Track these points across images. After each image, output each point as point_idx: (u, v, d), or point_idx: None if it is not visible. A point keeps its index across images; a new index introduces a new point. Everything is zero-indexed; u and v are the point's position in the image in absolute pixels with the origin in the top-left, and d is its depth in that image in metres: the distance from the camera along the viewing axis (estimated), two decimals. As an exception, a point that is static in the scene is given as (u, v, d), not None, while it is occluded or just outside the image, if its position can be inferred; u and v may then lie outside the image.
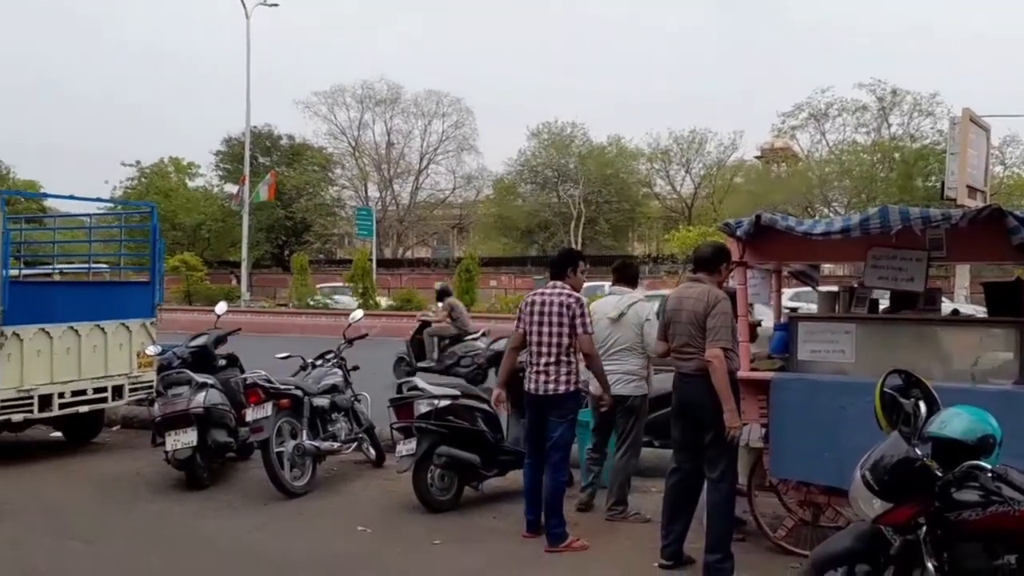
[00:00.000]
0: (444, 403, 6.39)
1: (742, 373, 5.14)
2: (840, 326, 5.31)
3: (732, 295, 5.31)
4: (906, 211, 4.88)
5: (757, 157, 47.13)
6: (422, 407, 6.36)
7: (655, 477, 6.97)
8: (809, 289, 8.00)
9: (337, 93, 48.09)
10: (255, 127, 41.89)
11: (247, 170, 33.89)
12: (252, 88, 32.21)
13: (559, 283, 5.58)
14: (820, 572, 3.97)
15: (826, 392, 5.01)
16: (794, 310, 6.67)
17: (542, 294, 5.55)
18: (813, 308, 7.75)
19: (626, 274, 6.43)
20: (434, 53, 76.65)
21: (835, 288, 6.22)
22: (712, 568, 4.75)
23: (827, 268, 17.71)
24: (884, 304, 5.97)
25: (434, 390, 6.46)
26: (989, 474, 3.49)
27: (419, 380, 6.59)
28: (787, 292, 20.94)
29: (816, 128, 41.25)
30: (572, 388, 5.44)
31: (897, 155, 37.37)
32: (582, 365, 5.57)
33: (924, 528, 3.70)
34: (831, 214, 35.94)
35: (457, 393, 6.52)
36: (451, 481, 6.37)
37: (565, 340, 5.39)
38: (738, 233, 5.32)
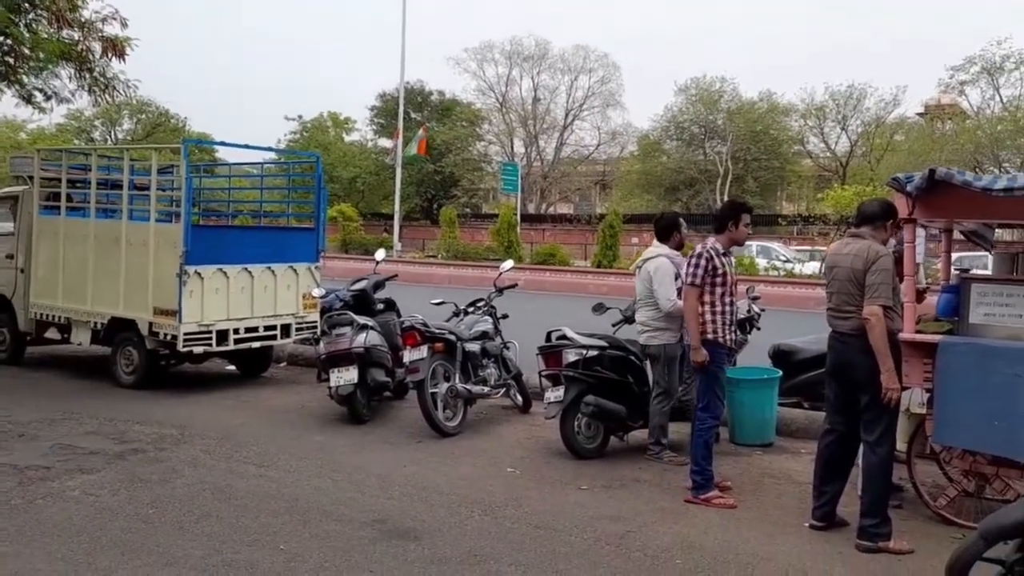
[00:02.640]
0: (592, 353, 6.46)
1: (906, 335, 4.93)
2: (1018, 289, 4.98)
3: (898, 256, 5.10)
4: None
5: (920, 114, 44.08)
6: (570, 356, 6.46)
7: (805, 439, 6.86)
8: (973, 254, 7.54)
9: (486, 49, 48.61)
10: (407, 83, 42.95)
11: (400, 125, 34.88)
12: (407, 44, 32.94)
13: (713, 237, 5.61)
14: (990, 543, 3.81)
15: (1000, 358, 4.74)
16: (965, 271, 6.28)
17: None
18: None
19: (656, 228, 6.63)
20: (583, 7, 75.70)
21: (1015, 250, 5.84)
22: (868, 532, 4.63)
23: (997, 233, 16.48)
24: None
25: (582, 340, 6.55)
26: None
27: (568, 330, 6.68)
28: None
29: (989, 83, 38.08)
30: (707, 337, 5.47)
31: (1085, 111, 34.03)
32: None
33: (1109, 503, 3.48)
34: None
35: (605, 344, 6.57)
36: (597, 430, 6.48)
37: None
38: (908, 188, 5.05)
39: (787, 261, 24.38)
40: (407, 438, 6.84)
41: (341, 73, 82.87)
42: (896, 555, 4.54)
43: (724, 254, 5.56)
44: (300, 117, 52.17)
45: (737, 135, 42.96)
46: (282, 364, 9.98)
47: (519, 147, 49.65)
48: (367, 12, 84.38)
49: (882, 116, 42.72)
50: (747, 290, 7.99)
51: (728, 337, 5.55)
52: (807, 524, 4.98)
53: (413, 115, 47.44)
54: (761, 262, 24.33)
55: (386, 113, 47.30)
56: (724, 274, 5.51)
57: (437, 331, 7.13)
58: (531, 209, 47.25)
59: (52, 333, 9.55)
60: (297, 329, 9.04)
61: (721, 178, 42.82)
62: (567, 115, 49.10)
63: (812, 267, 23.00)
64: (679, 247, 6.57)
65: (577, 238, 38.42)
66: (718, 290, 5.49)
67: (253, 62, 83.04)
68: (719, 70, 68.32)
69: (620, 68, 48.11)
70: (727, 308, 5.52)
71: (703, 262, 5.46)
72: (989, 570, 3.85)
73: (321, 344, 7.53)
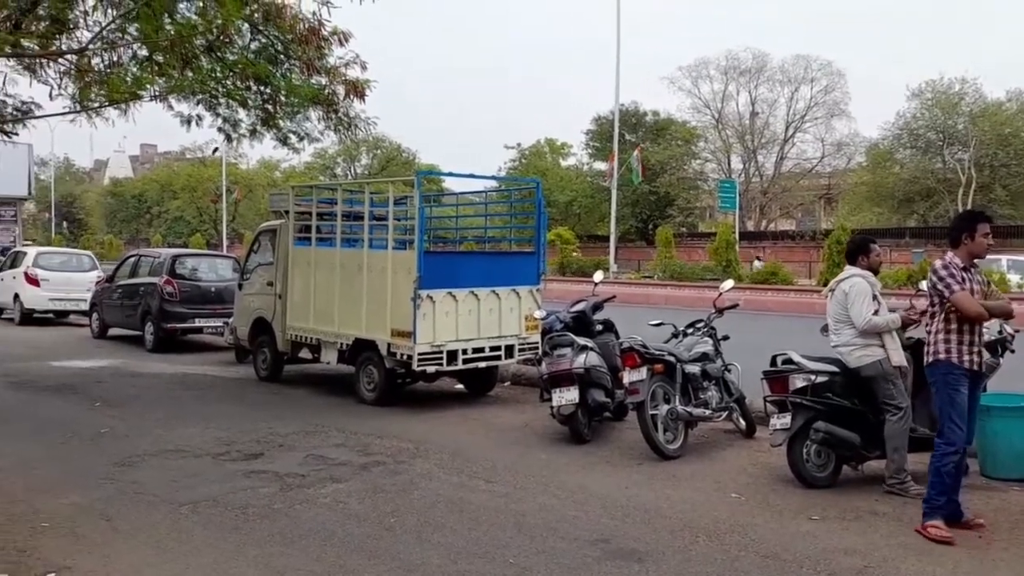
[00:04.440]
0: (822, 379, 6.20)
1: None
2: None
3: None
4: None
5: None
6: (798, 382, 6.23)
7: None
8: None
9: (701, 66, 48.00)
10: (622, 105, 43.21)
11: (615, 147, 35.17)
12: (620, 67, 33.25)
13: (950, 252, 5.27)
14: None
15: None
16: None
17: None
18: None
19: (846, 252, 6.58)
20: (802, 18, 72.61)
21: None
22: None
23: None
24: None
25: (811, 365, 6.29)
26: None
27: (794, 353, 6.45)
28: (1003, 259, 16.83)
29: None
30: (928, 359, 5.23)
31: None
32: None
33: None
34: None
35: (835, 369, 6.27)
36: (828, 458, 6.20)
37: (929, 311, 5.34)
38: None
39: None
40: (628, 459, 6.89)
41: (557, 99, 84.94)
42: None
43: (964, 268, 5.17)
44: (519, 145, 54.18)
45: (981, 140, 39.22)
46: (506, 383, 10.38)
47: (736, 163, 48.49)
48: (580, 37, 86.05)
49: None
50: (998, 310, 7.31)
51: (967, 359, 5.12)
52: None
53: (628, 136, 47.56)
54: (1014, 278, 22.04)
55: (601, 136, 47.86)
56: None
57: (656, 352, 7.14)
58: (750, 226, 45.80)
59: (304, 353, 10.53)
60: (520, 350, 9.38)
61: (963, 187, 39.29)
62: (787, 128, 47.32)
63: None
64: (872, 269, 6.30)
65: (800, 255, 36.74)
66: None
67: (474, 95, 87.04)
68: (957, 70, 62.77)
69: (845, 76, 45.64)
70: (966, 327, 5.11)
71: (952, 270, 5.11)
72: None
73: (543, 364, 7.76)
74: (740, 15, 77.71)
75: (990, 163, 39.49)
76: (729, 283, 8.92)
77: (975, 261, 5.30)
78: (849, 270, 6.37)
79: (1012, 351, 6.97)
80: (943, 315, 5.16)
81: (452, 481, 6.25)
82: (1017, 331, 7.06)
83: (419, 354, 8.56)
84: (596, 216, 48.48)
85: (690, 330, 8.00)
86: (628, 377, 7.02)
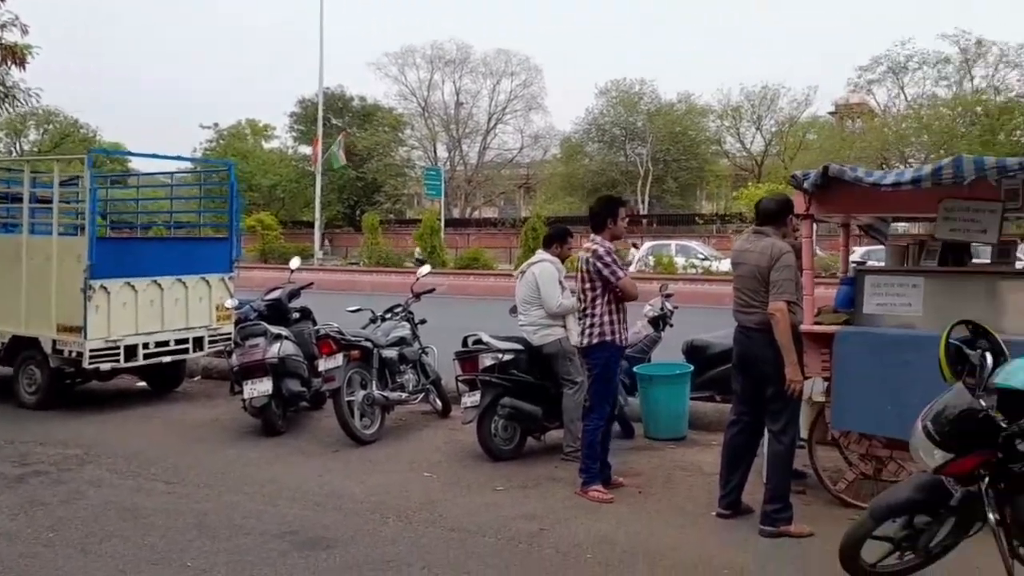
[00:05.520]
0: (508, 357, 6.51)
1: (805, 327, 5.12)
2: (908, 279, 5.22)
3: (797, 249, 5.28)
4: (981, 160, 4.75)
5: (831, 113, 45.70)
6: (487, 360, 6.50)
7: (716, 431, 7.02)
8: (880, 247, 7.83)
9: (407, 54, 48.36)
10: (327, 89, 42.47)
11: (320, 131, 34.43)
12: (325, 50, 32.60)
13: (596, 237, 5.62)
14: (879, 521, 3.99)
15: (891, 346, 4.96)
16: (861, 263, 6.55)
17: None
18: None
19: (544, 238, 6.92)
20: (503, 11, 76.08)
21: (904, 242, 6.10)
22: (770, 517, 4.79)
23: (902, 227, 17.21)
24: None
25: (499, 344, 6.59)
26: (1056, 426, 3.43)
27: (484, 334, 6.71)
28: (858, 251, 20.51)
29: (894, 82, 39.81)
30: (594, 341, 5.49)
31: (980, 109, 35.78)
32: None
33: (986, 479, 3.67)
34: (911, 171, 34.62)
35: (520, 348, 6.62)
36: (514, 432, 6.53)
37: (587, 294, 5.53)
38: (805, 185, 5.25)
39: (705, 259, 24.92)
40: (323, 448, 6.77)
41: (261, 80, 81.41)
42: (797, 538, 4.70)
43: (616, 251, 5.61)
44: (216, 125, 51.13)
45: (657, 136, 43.75)
46: (196, 378, 9.75)
47: (442, 152, 49.56)
48: (285, 16, 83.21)
49: (795, 115, 44.09)
50: (660, 288, 8.16)
51: (624, 337, 5.59)
52: (715, 513, 5.12)
53: (334, 121, 46.90)
54: (680, 260, 24.82)
55: (306, 119, 46.65)
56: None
57: (353, 338, 7.08)
58: (456, 214, 47.21)
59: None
60: (211, 342, 8.84)
61: (642, 179, 43.57)
62: (490, 119, 49.24)
63: (728, 265, 23.54)
64: (562, 257, 6.65)
65: (502, 242, 38.51)
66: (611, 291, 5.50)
67: (170, 72, 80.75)
68: (639, 72, 69.41)
69: (542, 71, 48.48)
70: (622, 307, 5.54)
71: (614, 256, 5.50)
72: (879, 548, 4.03)
73: (233, 356, 7.39)
74: (445, 5, 79.53)
75: (664, 158, 44.14)
76: (426, 268, 9.09)
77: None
78: (540, 255, 6.70)
79: (672, 325, 7.79)
80: (606, 298, 5.48)
81: (127, 486, 5.74)
82: (676, 308, 7.91)
83: (91, 351, 7.74)
84: (301, 201, 47.20)
85: (388, 315, 8.03)
86: (324, 364, 6.90)
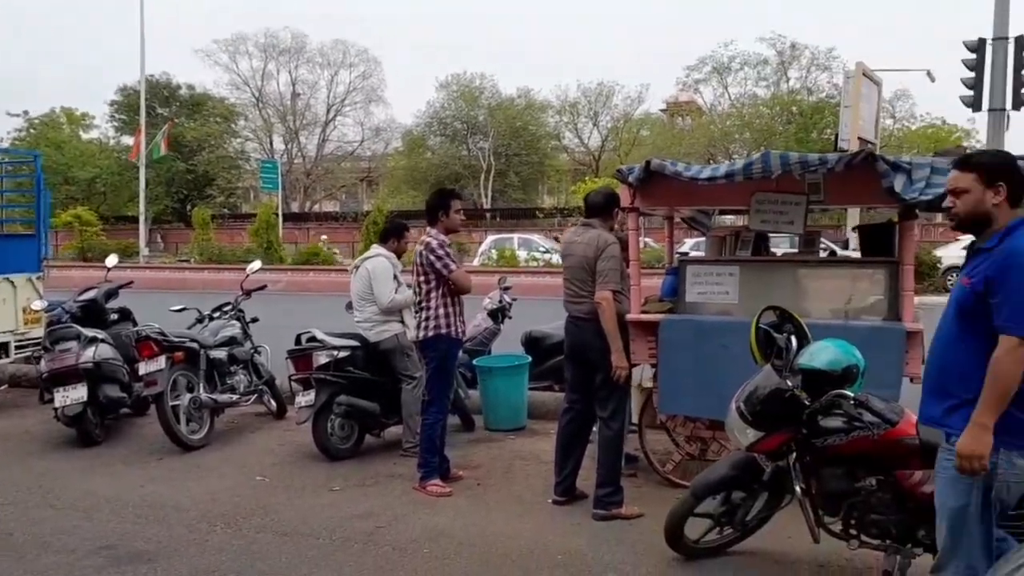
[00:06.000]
0: (344, 354, 6.38)
1: (632, 316, 5.30)
2: (725, 268, 5.50)
3: (623, 241, 5.46)
4: (786, 156, 5.06)
5: (662, 110, 47.82)
6: (321, 358, 6.33)
7: (554, 420, 7.15)
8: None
9: (239, 41, 46.55)
10: (152, 76, 40.26)
11: (143, 121, 32.47)
12: (147, 35, 30.79)
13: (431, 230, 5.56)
14: (699, 499, 4.20)
15: (711, 332, 5.21)
16: (684, 254, 6.86)
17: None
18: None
19: (381, 232, 6.87)
20: (341, 2, 74.53)
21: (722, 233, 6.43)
22: (602, 501, 4.93)
23: (729, 219, 18.24)
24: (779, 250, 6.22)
25: (333, 341, 6.44)
26: (852, 401, 3.71)
27: (318, 331, 6.54)
28: (688, 242, 21.58)
29: (719, 82, 42.13)
30: (430, 334, 5.46)
31: (795, 108, 38.48)
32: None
33: (794, 455, 3.94)
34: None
35: (357, 344, 6.50)
36: (351, 429, 6.41)
37: (422, 287, 5.50)
38: (630, 179, 5.43)
39: (546, 252, 25.46)
40: (146, 456, 6.39)
41: (78, 66, 75.82)
42: (628, 520, 4.87)
43: (450, 245, 5.60)
44: (26, 113, 47.11)
45: (498, 131, 44.26)
46: (2, 387, 8.95)
47: (279, 144, 48.08)
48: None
49: (629, 112, 45.85)
50: (499, 280, 8.24)
51: (461, 330, 5.58)
52: (551, 500, 5.22)
53: (159, 110, 44.41)
54: (522, 254, 25.24)
55: (129, 108, 43.78)
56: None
57: (176, 339, 6.71)
58: (295, 208, 45.92)
59: None
60: (18, 347, 8.15)
61: (484, 173, 43.96)
62: (328, 110, 48.24)
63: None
64: (399, 252, 6.62)
65: (344, 236, 37.84)
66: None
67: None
68: (480, 67, 69.91)
69: (381, 63, 47.97)
70: (457, 300, 5.52)
71: (447, 249, 5.47)
72: (701, 524, 4.24)
73: (43, 362, 6.84)
74: (279, -5, 76.89)
75: (505, 152, 44.73)
76: (256, 264, 8.75)
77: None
78: (375, 249, 6.60)
79: (510, 318, 7.89)
80: (440, 291, 5.45)
81: (-82, 509, 5.19)
82: (515, 300, 8.01)
83: None
84: (126, 195, 44.36)
85: (216, 314, 7.68)
86: (145, 368, 6.50)
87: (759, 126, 38.83)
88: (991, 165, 3.02)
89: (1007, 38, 13.67)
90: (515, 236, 28.39)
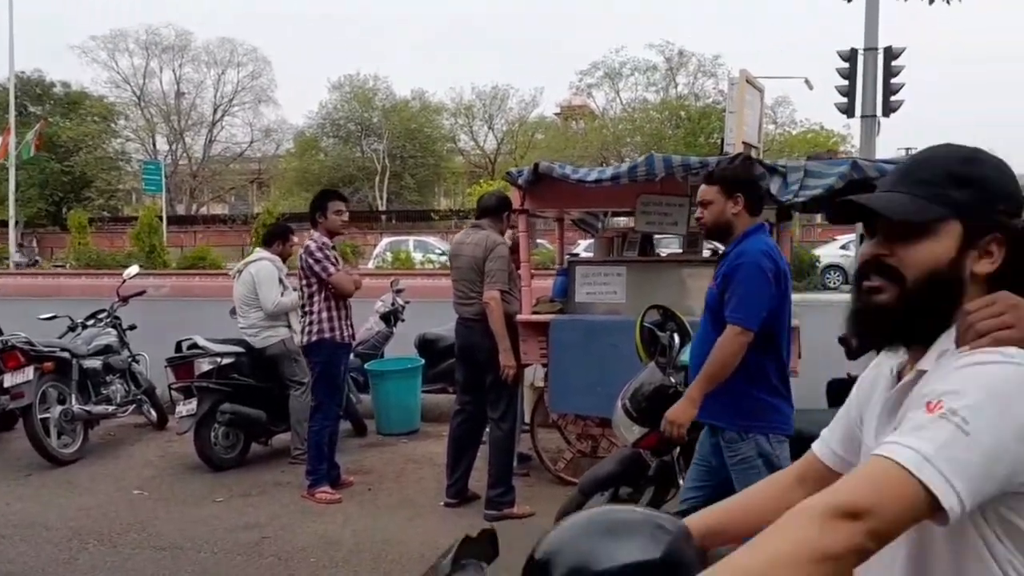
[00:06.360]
0: (227, 360, 6.17)
1: (523, 316, 5.32)
2: (612, 269, 5.60)
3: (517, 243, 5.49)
4: (669, 159, 5.18)
5: (556, 114, 48.44)
6: (203, 365, 6.12)
7: (448, 422, 7.14)
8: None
9: (118, 38, 44.46)
10: (22, 73, 38.02)
11: (12, 120, 30.62)
12: (17, 31, 29.13)
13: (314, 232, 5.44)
14: (588, 495, 4.24)
15: (599, 331, 5.29)
16: (574, 255, 6.97)
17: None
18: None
19: (264, 235, 6.71)
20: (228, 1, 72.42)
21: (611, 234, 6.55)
22: (494, 501, 4.94)
23: (623, 221, 18.61)
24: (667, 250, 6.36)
25: (216, 347, 6.22)
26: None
27: (199, 338, 6.31)
28: (583, 243, 21.92)
29: (611, 87, 42.98)
30: (313, 339, 5.33)
31: (683, 113, 39.64)
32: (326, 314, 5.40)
33: (677, 449, 4.03)
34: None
35: (241, 350, 6.30)
36: (236, 438, 6.21)
37: (305, 291, 5.40)
38: (520, 182, 5.46)
39: (442, 254, 25.38)
40: (13, 473, 6.00)
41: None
42: (519, 519, 4.89)
43: (333, 247, 5.47)
44: None
45: (393, 133, 43.82)
46: None
47: (163, 144, 46.15)
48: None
49: (524, 116, 46.21)
50: (391, 283, 8.15)
51: (348, 334, 5.44)
52: (443, 503, 5.19)
53: (31, 109, 41.98)
54: (418, 256, 25.10)
55: (-3, 106, 41.33)
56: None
57: (45, 349, 6.35)
58: (180, 210, 44.25)
59: None
60: None
61: (379, 175, 43.48)
62: (216, 110, 46.66)
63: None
64: (284, 255, 6.47)
65: (233, 239, 36.69)
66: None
67: None
68: (373, 67, 69.21)
69: (271, 63, 46.80)
70: (342, 303, 5.39)
71: (327, 251, 5.31)
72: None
73: None
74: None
75: (400, 154, 44.31)
76: (134, 269, 8.36)
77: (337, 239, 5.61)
78: (259, 253, 6.43)
79: (403, 320, 7.82)
80: (323, 295, 5.30)
81: None
82: (408, 302, 7.94)
83: None
84: (-7, 198, 41.77)
85: (91, 322, 7.31)
86: (11, 380, 6.12)
87: (650, 130, 39.82)
88: (730, 178, 3.30)
89: (877, 49, 14.42)
90: (410, 238, 28.25)
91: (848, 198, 1.28)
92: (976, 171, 1.22)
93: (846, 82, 14.57)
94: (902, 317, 1.22)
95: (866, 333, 1.28)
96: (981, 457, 1.03)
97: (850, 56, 14.57)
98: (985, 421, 1.04)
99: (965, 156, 1.24)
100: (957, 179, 1.21)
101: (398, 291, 7.90)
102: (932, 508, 1.01)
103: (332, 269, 5.28)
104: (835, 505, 1.00)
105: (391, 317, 7.73)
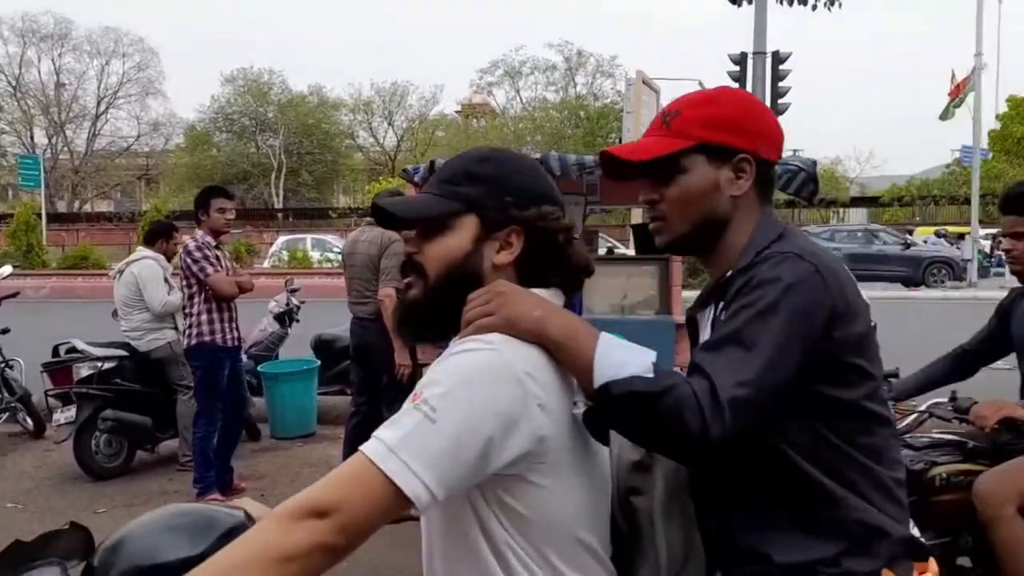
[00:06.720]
0: (109, 365, 5.89)
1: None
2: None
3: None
4: (565, 158, 5.21)
5: (457, 112, 48.42)
6: (83, 371, 5.83)
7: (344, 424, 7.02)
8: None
9: (-10, 25, 41.94)
10: None
11: None
12: None
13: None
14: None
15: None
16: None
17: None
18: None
19: (146, 234, 6.46)
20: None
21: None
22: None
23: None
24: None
25: (97, 352, 5.93)
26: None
27: (78, 341, 6.00)
28: (308, 238, 21.81)
29: (511, 85, 43.30)
30: (193, 342, 5.14)
31: (582, 113, 40.30)
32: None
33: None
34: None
35: (125, 354, 6.02)
36: (120, 446, 5.94)
37: (186, 292, 5.23)
38: (415, 179, 5.38)
39: (340, 252, 25.02)
40: None
41: None
42: (416, 520, 4.82)
43: (217, 247, 5.25)
44: None
45: (289, 128, 42.88)
46: None
47: (41, 137, 43.87)
48: None
49: (424, 112, 45.97)
50: (285, 282, 7.95)
51: (230, 337, 5.21)
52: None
53: None
54: (315, 255, 24.63)
55: None
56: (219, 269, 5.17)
57: (-95, 355, 5.92)
58: (61, 207, 42.11)
59: None
60: None
61: (275, 172, 42.45)
62: (99, 103, 44.60)
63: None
64: (168, 254, 6.22)
65: (120, 238, 35.13)
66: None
67: None
68: (268, 61, 67.48)
69: (159, 54, 44.99)
70: (224, 306, 5.17)
71: (206, 252, 5.07)
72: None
73: None
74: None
75: (297, 150, 43.41)
76: (7, 269, 7.93)
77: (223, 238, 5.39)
78: (141, 252, 6.15)
79: (298, 321, 7.63)
80: (203, 296, 5.08)
81: None
82: (303, 303, 7.75)
83: None
84: None
85: (-43, 326, 6.86)
86: None
87: (550, 129, 40.28)
88: None
89: (765, 53, 14.98)
90: (308, 236, 27.66)
91: (375, 203, 1.32)
92: (488, 169, 1.30)
93: (737, 85, 15.06)
94: (426, 311, 1.27)
95: (404, 328, 1.34)
96: (446, 442, 1.05)
97: (740, 60, 15.09)
98: (452, 407, 1.07)
99: (480, 156, 1.33)
100: (471, 176, 1.28)
101: (293, 291, 7.71)
102: (401, 497, 1.03)
103: (210, 270, 5.05)
104: (302, 505, 1.03)
105: (285, 318, 7.53)
